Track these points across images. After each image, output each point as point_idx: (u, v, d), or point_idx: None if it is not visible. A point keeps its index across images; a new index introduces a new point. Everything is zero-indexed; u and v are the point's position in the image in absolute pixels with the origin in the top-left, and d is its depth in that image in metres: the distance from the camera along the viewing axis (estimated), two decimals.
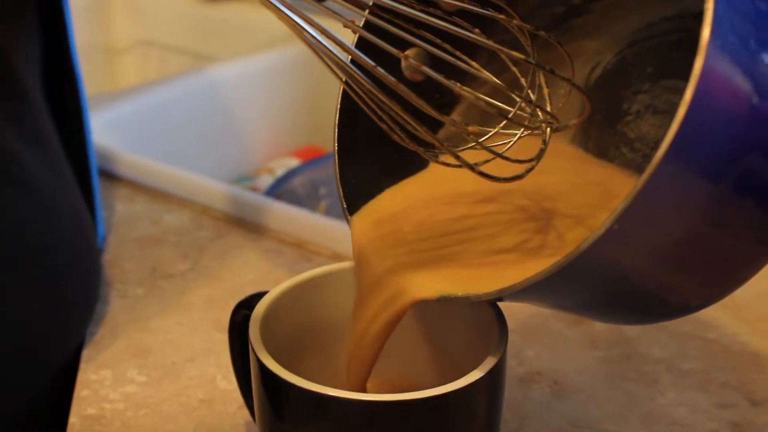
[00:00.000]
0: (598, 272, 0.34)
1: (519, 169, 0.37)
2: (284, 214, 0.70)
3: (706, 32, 0.30)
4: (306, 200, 0.83)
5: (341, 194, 0.43)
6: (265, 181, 0.90)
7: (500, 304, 0.42)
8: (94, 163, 0.64)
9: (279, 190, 0.84)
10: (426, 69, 0.35)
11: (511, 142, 0.40)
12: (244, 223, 0.71)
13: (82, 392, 0.52)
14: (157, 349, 0.56)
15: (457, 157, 0.36)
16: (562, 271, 0.32)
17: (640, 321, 0.45)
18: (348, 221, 0.42)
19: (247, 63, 0.98)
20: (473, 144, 0.37)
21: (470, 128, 0.36)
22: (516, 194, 0.42)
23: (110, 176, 0.78)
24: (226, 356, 0.48)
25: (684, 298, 0.38)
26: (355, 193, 0.43)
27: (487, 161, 0.37)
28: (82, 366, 0.55)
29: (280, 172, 0.91)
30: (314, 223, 0.68)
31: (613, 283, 0.35)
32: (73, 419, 0.50)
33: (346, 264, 0.45)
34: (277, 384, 0.38)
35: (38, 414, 0.54)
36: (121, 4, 1.26)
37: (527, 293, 0.34)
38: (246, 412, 0.50)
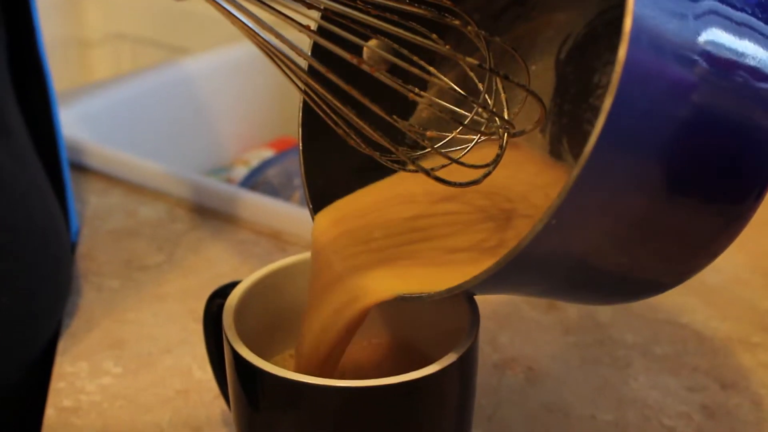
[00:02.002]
0: (551, 263, 0.34)
1: (478, 173, 0.37)
2: (259, 205, 0.70)
3: (628, 22, 0.29)
4: (281, 191, 0.83)
5: (307, 195, 0.43)
6: (240, 172, 0.90)
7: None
8: (65, 156, 0.64)
9: (254, 181, 0.84)
10: (379, 74, 0.34)
11: (468, 148, 0.40)
12: (218, 215, 0.71)
13: (58, 384, 0.52)
14: (133, 341, 0.56)
15: (412, 162, 0.36)
16: (507, 267, 0.32)
17: (611, 302, 0.44)
18: (313, 219, 0.43)
19: (220, 55, 0.98)
20: (429, 149, 0.37)
21: (428, 133, 0.36)
22: (478, 195, 0.42)
23: (84, 169, 0.78)
24: (202, 347, 0.48)
25: (653, 277, 0.38)
26: (323, 192, 0.43)
27: (444, 166, 0.38)
28: (58, 358, 0.55)
29: (254, 163, 0.91)
30: (289, 213, 0.69)
31: (571, 271, 0.35)
32: (50, 411, 0.50)
33: None
34: (251, 372, 0.38)
35: (13, 406, 0.54)
36: None
37: (481, 288, 0.34)
38: (222, 401, 0.50)
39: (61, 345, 0.56)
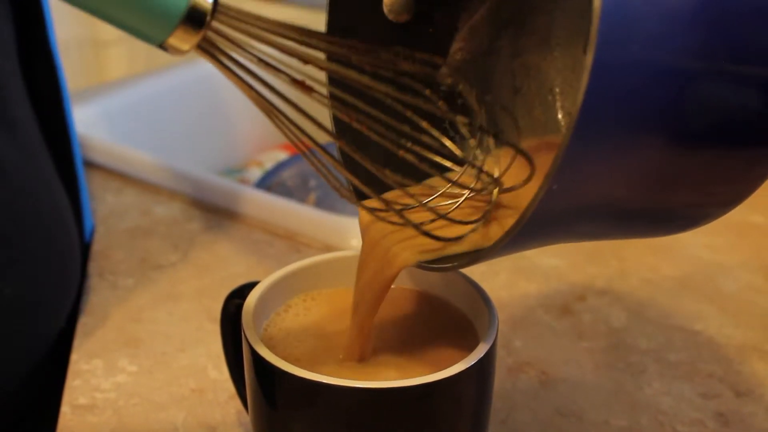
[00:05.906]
0: (567, 220, 0.33)
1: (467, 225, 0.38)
2: (274, 206, 0.70)
3: None
4: (295, 192, 0.83)
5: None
6: (254, 173, 0.90)
7: (489, 293, 0.42)
8: (78, 153, 0.64)
9: (268, 182, 0.85)
10: (370, 132, 0.35)
11: (458, 204, 0.41)
12: (233, 215, 0.71)
13: (73, 382, 0.53)
14: (148, 339, 0.57)
15: (401, 216, 0.37)
16: (515, 239, 0.32)
17: (652, 236, 0.42)
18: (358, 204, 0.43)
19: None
20: (416, 204, 0.37)
21: (412, 189, 0.37)
22: None
23: (100, 168, 0.78)
24: (217, 346, 0.48)
25: (694, 212, 0.36)
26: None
27: (433, 220, 0.38)
28: (74, 356, 0.55)
29: (268, 164, 0.91)
30: (304, 215, 0.69)
31: (591, 222, 0.34)
32: (65, 408, 0.51)
33: (335, 254, 0.46)
34: (271, 372, 0.38)
35: (26, 402, 0.54)
36: None
37: (499, 256, 0.35)
38: (237, 401, 0.50)
39: (76, 342, 0.56)
